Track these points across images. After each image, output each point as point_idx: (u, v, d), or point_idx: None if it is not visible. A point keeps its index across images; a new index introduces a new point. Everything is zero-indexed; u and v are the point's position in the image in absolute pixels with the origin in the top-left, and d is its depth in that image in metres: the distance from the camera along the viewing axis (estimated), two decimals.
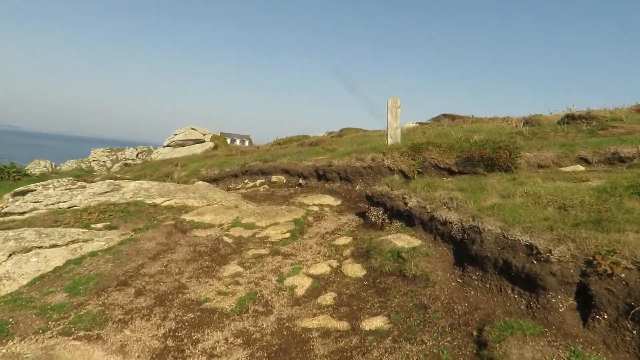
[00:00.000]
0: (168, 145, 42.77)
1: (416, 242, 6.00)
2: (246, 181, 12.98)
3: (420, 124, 24.80)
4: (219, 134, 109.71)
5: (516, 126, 15.81)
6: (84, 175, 29.84)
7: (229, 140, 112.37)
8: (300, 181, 11.43)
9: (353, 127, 30.27)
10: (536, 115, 20.74)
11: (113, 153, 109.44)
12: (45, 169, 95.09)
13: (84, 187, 8.92)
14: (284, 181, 11.92)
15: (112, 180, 9.15)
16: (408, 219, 6.79)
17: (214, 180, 13.75)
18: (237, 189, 12.76)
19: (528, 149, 9.79)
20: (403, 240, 6.13)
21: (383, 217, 7.54)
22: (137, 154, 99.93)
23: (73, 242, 6.82)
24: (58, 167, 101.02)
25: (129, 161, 27.70)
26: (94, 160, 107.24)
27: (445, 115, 25.88)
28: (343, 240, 7.26)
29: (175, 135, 43.38)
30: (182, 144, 42.24)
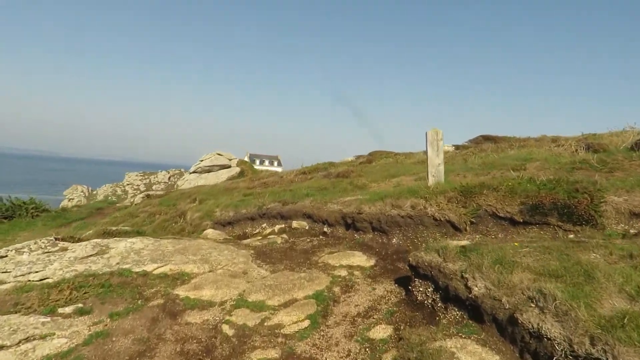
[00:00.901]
0: (194, 172, 41.99)
1: None
2: (264, 225, 11.22)
3: (457, 147, 22.60)
4: (248, 155, 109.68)
5: (576, 151, 13.45)
6: (113, 205, 28.98)
7: (257, 162, 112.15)
8: (325, 229, 9.56)
9: (383, 151, 28.33)
10: (593, 134, 18.20)
11: (146, 177, 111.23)
12: (82, 193, 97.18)
13: (65, 249, 7.37)
14: (306, 228, 10.08)
15: (98, 241, 7.56)
16: (472, 309, 4.80)
17: (228, 224, 12.07)
18: (254, 234, 11.02)
19: (613, 190, 7.59)
20: (472, 353, 4.13)
21: (434, 297, 5.55)
22: (169, 177, 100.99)
23: (26, 339, 5.16)
24: (94, 192, 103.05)
25: (152, 192, 26.60)
26: (128, 184, 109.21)
27: (484, 137, 23.60)
28: (381, 332, 5.30)
29: (202, 161, 42.60)
30: (209, 169, 41.35)
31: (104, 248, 7.40)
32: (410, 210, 8.16)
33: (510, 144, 18.86)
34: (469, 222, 7.78)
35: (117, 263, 6.99)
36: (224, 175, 39.52)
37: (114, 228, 8.69)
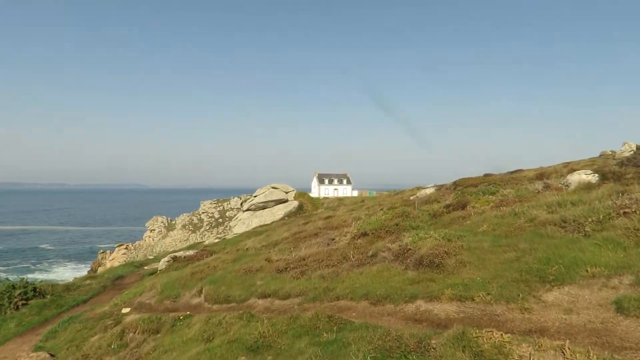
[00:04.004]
0: (248, 209, 36.14)
1: None
2: None
3: (604, 177, 13.67)
4: (317, 175, 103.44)
5: None
6: (140, 268, 23.59)
7: (326, 181, 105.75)
8: None
9: (475, 178, 19.90)
10: None
11: (219, 204, 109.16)
12: (162, 224, 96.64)
13: None
14: None
15: None
16: None
17: None
18: None
19: None
20: None
21: None
22: (242, 203, 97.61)
23: None
24: (173, 222, 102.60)
25: (180, 253, 20.72)
26: (203, 213, 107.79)
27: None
28: None
29: (255, 196, 36.66)
30: (263, 206, 35.21)
31: None
32: None
33: None
34: None
35: None
36: (280, 211, 33.20)
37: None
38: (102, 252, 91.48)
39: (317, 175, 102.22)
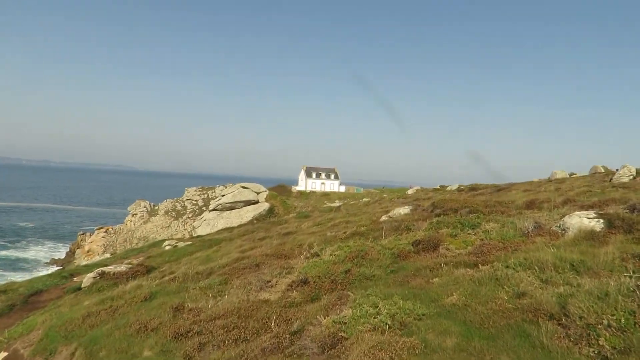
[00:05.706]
0: (214, 209, 33.02)
1: None
2: None
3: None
4: (304, 169, 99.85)
5: None
6: (67, 280, 20.42)
7: (314, 175, 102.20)
8: None
9: (452, 199, 16.87)
10: None
11: (204, 192, 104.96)
12: (145, 209, 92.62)
13: None
14: None
15: None
16: None
17: None
18: None
19: None
20: None
21: None
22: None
23: None
24: (156, 207, 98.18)
25: (111, 269, 17.53)
26: (187, 200, 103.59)
27: None
28: None
29: (223, 196, 33.47)
30: (231, 207, 32.01)
31: None
32: None
33: None
34: None
35: None
36: (249, 213, 30.09)
37: None
38: (82, 234, 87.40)
39: (304, 168, 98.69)
